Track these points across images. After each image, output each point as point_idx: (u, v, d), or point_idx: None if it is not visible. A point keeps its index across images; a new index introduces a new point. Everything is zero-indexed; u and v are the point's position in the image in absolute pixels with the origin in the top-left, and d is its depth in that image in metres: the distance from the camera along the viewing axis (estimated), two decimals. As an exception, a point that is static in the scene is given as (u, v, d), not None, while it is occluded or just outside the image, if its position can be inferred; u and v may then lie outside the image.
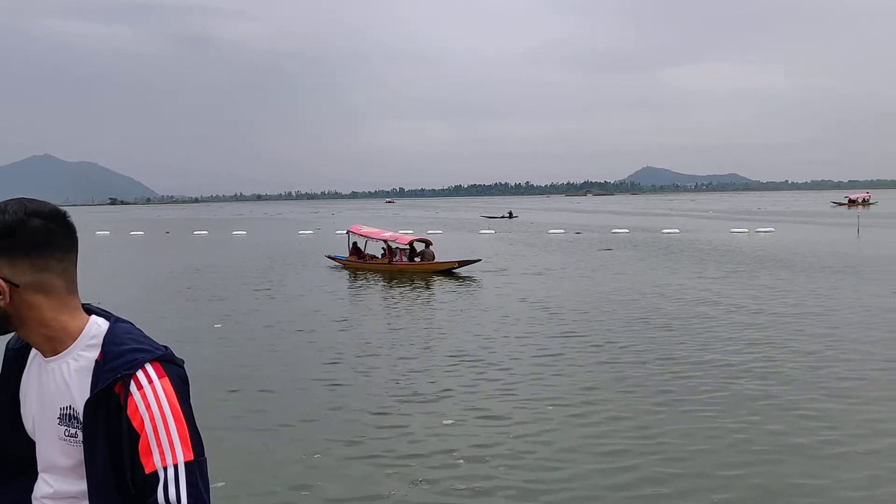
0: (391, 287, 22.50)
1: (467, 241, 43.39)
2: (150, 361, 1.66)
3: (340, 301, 19.96)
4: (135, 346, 1.68)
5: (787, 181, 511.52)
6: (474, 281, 23.17)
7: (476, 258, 25.78)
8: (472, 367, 11.44)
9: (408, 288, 22.11)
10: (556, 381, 10.50)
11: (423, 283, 22.95)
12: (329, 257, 29.49)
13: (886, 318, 14.83)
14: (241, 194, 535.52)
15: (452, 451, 7.81)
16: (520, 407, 9.33)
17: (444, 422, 8.76)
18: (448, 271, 24.92)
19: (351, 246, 28.66)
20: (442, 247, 36.07)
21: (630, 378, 10.56)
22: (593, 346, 12.87)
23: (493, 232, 51.72)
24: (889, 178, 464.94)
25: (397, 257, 26.68)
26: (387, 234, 27.95)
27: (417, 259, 26.30)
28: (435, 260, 25.97)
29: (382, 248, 27.44)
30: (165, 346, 1.73)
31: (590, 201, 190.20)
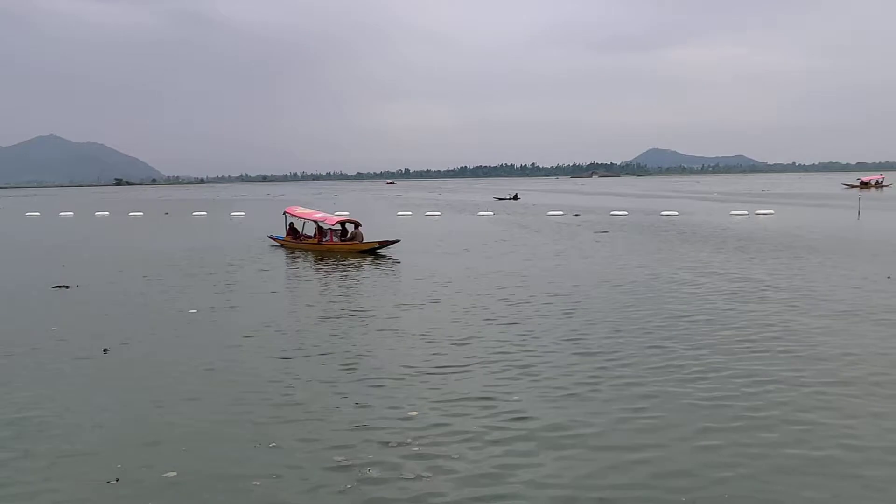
0: (320, 267, 22.93)
1: (462, 223, 43.28)
2: None
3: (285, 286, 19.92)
4: None
5: (794, 163, 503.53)
6: (395, 262, 23.45)
7: (395, 239, 26.54)
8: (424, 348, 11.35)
9: (336, 267, 22.53)
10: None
11: (351, 264, 23.24)
12: (270, 237, 30.80)
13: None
14: (246, 175, 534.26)
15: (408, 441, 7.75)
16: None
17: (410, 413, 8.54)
18: (372, 251, 25.72)
19: (287, 226, 29.73)
20: (435, 230, 35.92)
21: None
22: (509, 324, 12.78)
23: (491, 214, 51.49)
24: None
25: (327, 237, 27.43)
26: (318, 216, 28.81)
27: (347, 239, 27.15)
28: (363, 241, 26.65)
29: (314, 228, 28.26)
30: None
31: (595, 183, 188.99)
